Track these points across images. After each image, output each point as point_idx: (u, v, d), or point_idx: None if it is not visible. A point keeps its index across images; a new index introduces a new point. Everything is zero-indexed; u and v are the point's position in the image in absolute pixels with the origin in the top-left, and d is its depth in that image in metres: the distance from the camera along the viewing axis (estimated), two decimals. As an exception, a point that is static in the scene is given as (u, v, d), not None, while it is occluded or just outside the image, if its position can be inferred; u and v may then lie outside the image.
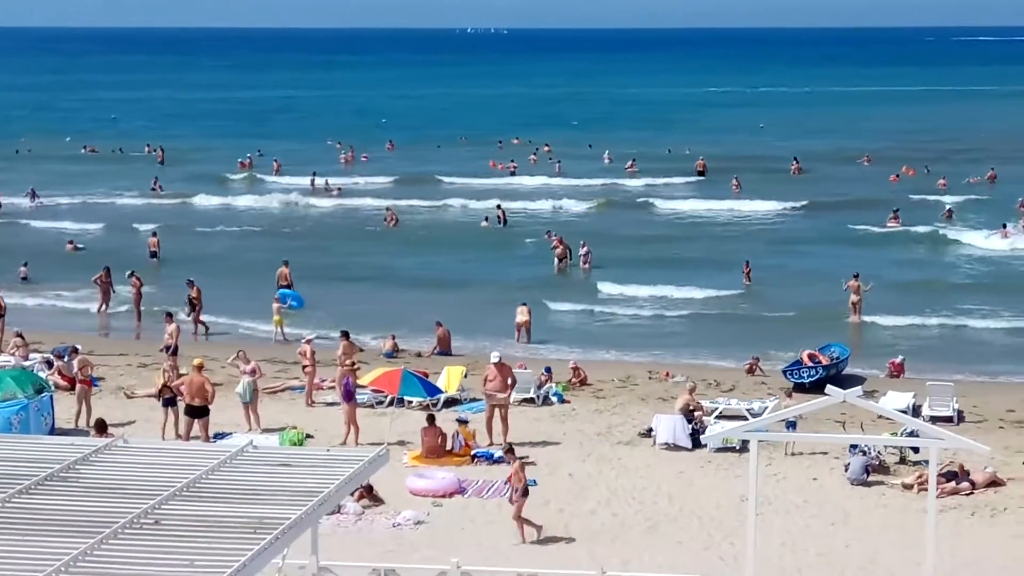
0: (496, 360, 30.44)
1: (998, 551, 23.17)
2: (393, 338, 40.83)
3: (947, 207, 66.21)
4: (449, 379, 34.54)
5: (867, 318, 44.66)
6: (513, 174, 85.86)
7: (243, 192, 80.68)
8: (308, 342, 34.94)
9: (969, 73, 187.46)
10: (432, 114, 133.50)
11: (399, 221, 66.64)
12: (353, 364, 33.44)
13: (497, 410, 30.12)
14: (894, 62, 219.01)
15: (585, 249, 54.44)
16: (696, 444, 29.52)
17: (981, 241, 57.88)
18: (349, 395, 30.57)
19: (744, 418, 29.62)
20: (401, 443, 29.57)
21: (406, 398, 33.33)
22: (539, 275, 52.97)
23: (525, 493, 23.99)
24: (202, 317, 44.15)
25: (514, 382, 31.04)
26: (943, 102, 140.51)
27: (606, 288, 50.04)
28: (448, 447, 28.97)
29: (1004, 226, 57.84)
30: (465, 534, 24.16)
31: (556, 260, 54.82)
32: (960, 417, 32.41)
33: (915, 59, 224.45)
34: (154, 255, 56.98)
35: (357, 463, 15.30)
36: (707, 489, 26.78)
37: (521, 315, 42.45)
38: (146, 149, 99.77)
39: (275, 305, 43.47)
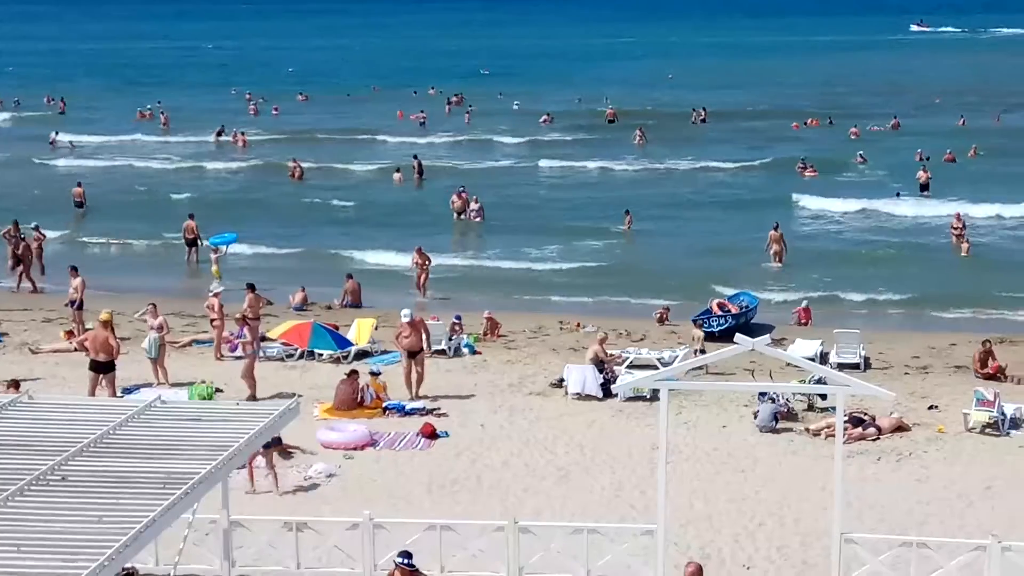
0: (408, 319, 30.24)
1: (903, 495, 23.52)
2: (303, 291, 40.55)
3: (859, 153, 66.89)
4: (360, 332, 34.41)
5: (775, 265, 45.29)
6: (423, 124, 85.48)
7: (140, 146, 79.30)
8: (216, 295, 34.54)
9: (876, 23, 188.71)
10: (340, 64, 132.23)
11: (304, 174, 66.01)
12: (257, 317, 33.22)
13: (414, 363, 30.00)
14: (805, 11, 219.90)
15: (478, 205, 54.56)
16: (607, 394, 29.67)
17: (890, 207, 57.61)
18: (234, 349, 30.21)
19: (655, 367, 29.79)
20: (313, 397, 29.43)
21: (316, 351, 33.19)
22: (437, 228, 52.69)
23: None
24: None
25: (428, 335, 30.94)
26: (853, 52, 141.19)
27: (497, 241, 50.17)
28: (359, 400, 28.85)
29: (897, 195, 58.08)
30: (377, 486, 24.10)
31: (455, 214, 54.75)
32: (867, 364, 32.83)
33: (827, 8, 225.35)
34: (80, 204, 56.74)
35: (267, 417, 15.17)
36: (618, 438, 26.91)
37: (417, 259, 42.21)
38: (46, 100, 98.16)
39: (212, 255, 43.00)
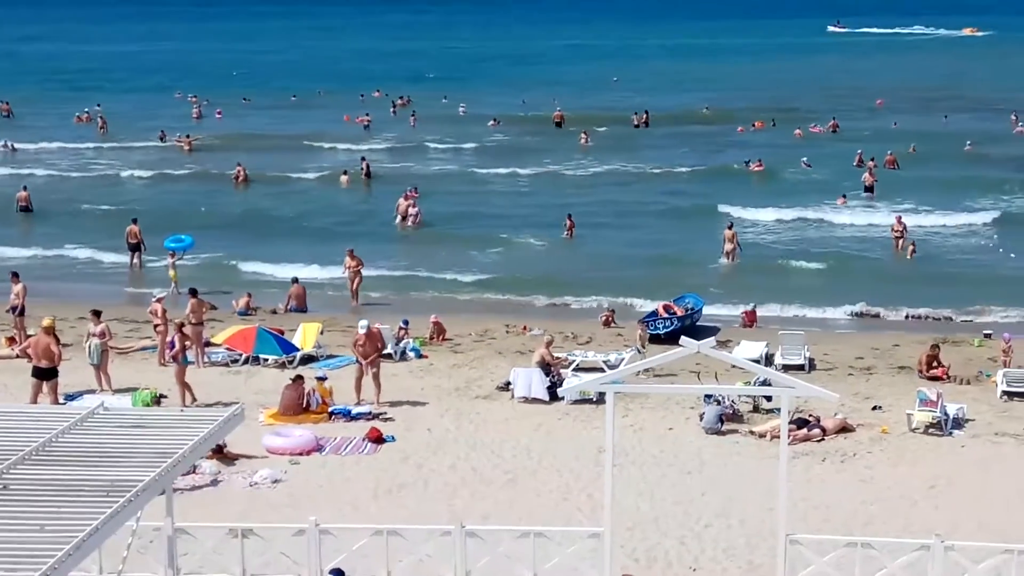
0: (364, 330, 30.10)
1: (848, 495, 23.67)
2: (247, 295, 40.36)
3: (803, 160, 67.08)
4: (305, 336, 34.28)
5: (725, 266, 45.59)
6: (367, 128, 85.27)
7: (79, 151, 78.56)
8: (159, 300, 34.30)
9: (793, 25, 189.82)
10: (285, 67, 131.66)
11: (248, 178, 65.66)
12: (200, 322, 33.07)
13: (369, 371, 29.86)
14: (751, 15, 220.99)
15: (415, 209, 54.37)
16: (554, 397, 29.71)
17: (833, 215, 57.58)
18: (175, 355, 30.02)
19: (601, 370, 29.87)
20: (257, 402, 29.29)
21: (261, 356, 33.04)
22: (379, 232, 52.55)
23: None
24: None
25: (383, 346, 30.78)
26: (779, 54, 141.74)
27: (439, 245, 50.12)
28: (305, 405, 28.73)
29: (843, 197, 58.37)
30: (323, 492, 24.00)
31: (399, 218, 54.63)
32: (811, 365, 33.05)
33: (771, 11, 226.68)
34: (25, 209, 56.35)
35: (212, 422, 15.06)
36: (565, 441, 26.93)
37: (349, 262, 41.86)
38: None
39: (169, 260, 42.70)
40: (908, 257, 46.95)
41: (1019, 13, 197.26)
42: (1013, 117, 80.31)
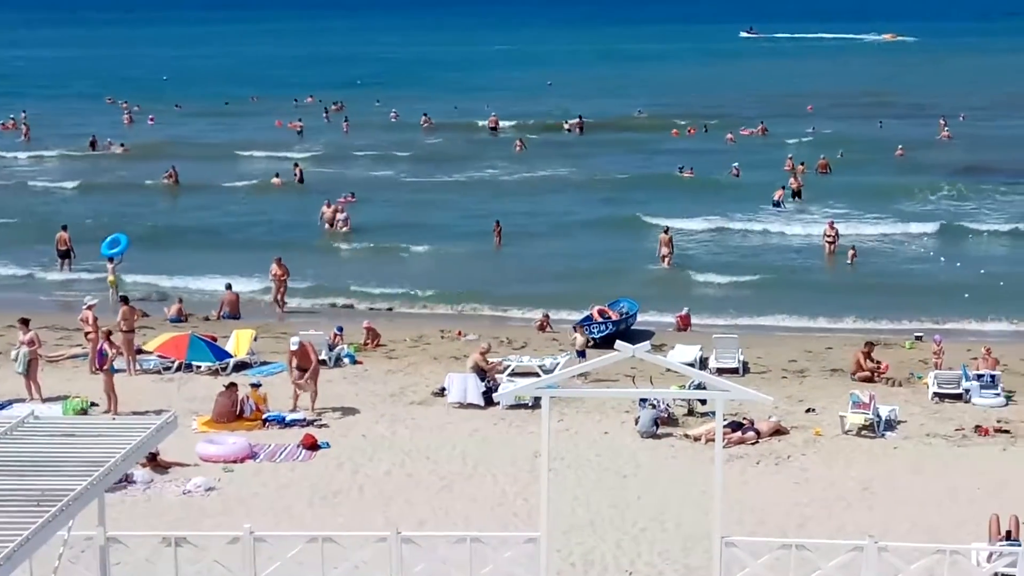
0: (296, 346, 29.83)
1: (782, 497, 23.81)
2: (179, 302, 40.03)
3: (734, 165, 66.87)
4: (238, 343, 34.04)
5: (660, 271, 45.70)
6: (300, 133, 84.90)
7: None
8: (90, 308, 33.95)
9: (706, 31, 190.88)
10: (217, 73, 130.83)
11: (180, 183, 65.15)
12: (131, 330, 32.76)
13: (306, 377, 29.60)
14: (664, 20, 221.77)
15: (344, 214, 54.16)
16: (489, 402, 29.67)
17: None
18: (102, 363, 29.73)
19: (536, 375, 29.87)
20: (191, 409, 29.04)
21: (194, 363, 32.77)
22: (309, 239, 52.25)
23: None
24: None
25: (317, 358, 30.56)
26: (721, 60, 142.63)
27: (363, 252, 49.93)
28: (239, 412, 28.52)
29: (776, 203, 58.61)
30: (258, 499, 23.83)
31: (327, 225, 54.33)
32: (745, 368, 33.21)
33: (682, 17, 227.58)
34: None
35: (144, 431, 14.90)
36: (501, 446, 26.91)
37: (276, 270, 41.42)
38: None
39: (109, 265, 42.19)
40: (849, 262, 47.07)
41: (934, 19, 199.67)
42: (942, 122, 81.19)
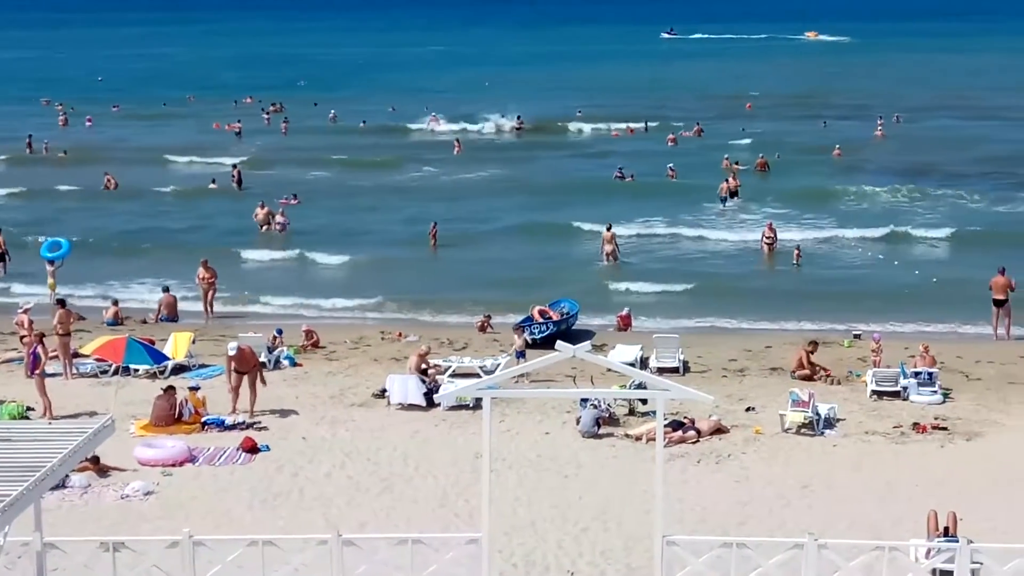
0: (234, 351, 29.59)
1: (723, 496, 23.90)
2: (115, 305, 39.68)
3: (670, 166, 66.54)
4: (176, 346, 33.80)
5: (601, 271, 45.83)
6: (239, 135, 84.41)
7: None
8: (25, 311, 33.61)
9: (628, 32, 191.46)
10: (154, 74, 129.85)
11: (118, 186, 64.58)
12: (68, 333, 32.42)
13: (245, 380, 29.43)
14: (586, 21, 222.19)
15: (282, 218, 53.77)
16: (430, 403, 29.59)
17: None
18: (35, 367, 29.40)
19: (477, 376, 29.84)
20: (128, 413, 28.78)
21: (132, 366, 32.49)
22: (244, 242, 51.86)
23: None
24: None
25: (256, 362, 30.33)
26: (650, 61, 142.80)
27: (300, 254, 49.74)
28: (177, 415, 28.29)
29: (723, 201, 58.81)
30: (197, 503, 23.66)
31: (259, 226, 53.96)
32: (685, 368, 33.33)
33: (601, 19, 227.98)
34: None
35: (81, 435, 14.74)
36: (442, 447, 26.86)
37: (203, 274, 40.97)
38: None
39: (48, 268, 41.76)
40: (795, 262, 47.23)
41: (854, 19, 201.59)
42: (880, 121, 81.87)
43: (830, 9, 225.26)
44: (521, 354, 33.22)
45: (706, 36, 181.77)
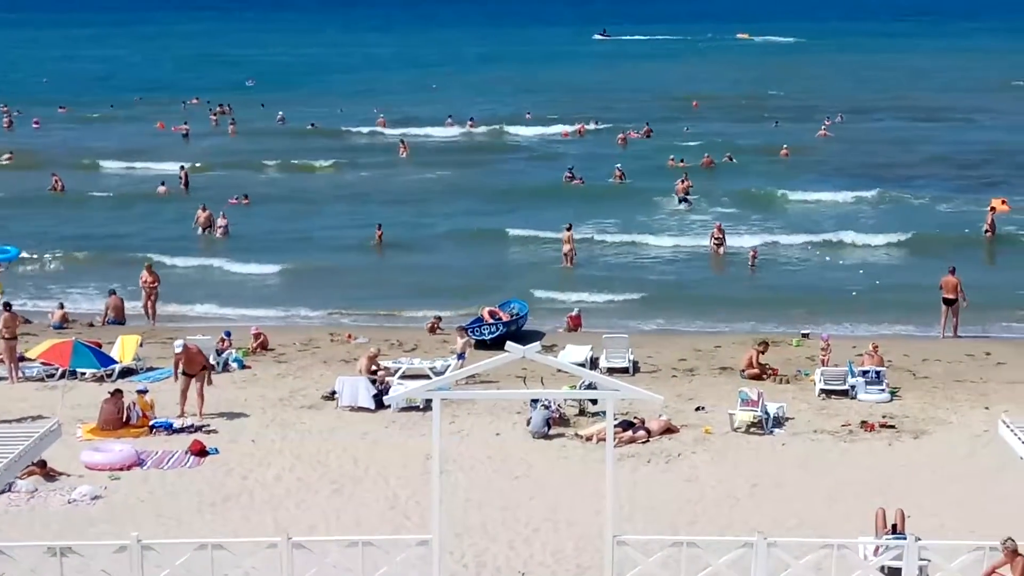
0: (180, 348, 29.49)
1: (673, 495, 23.98)
2: (62, 308, 39.37)
3: (617, 167, 66.24)
4: (123, 349, 33.56)
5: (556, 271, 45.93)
6: (186, 136, 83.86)
7: None
8: (-30, 315, 33.26)
9: (561, 33, 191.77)
10: (98, 74, 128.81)
11: (65, 188, 64.04)
12: (14, 336, 32.17)
13: (193, 383, 29.26)
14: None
15: (224, 220, 53.30)
16: (380, 405, 29.53)
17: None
18: None
19: (427, 377, 29.80)
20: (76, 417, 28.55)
21: (79, 370, 32.23)
22: (189, 246, 51.53)
23: None
24: None
25: (206, 361, 30.14)
26: (600, 62, 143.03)
27: (247, 255, 49.30)
28: (125, 419, 28.08)
29: (681, 202, 59.03)
30: (145, 506, 23.50)
31: (200, 230, 53.43)
32: (635, 368, 33.39)
33: (532, 20, 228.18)
34: None
35: (27, 439, 14.61)
36: (392, 449, 26.80)
37: (146, 277, 40.54)
38: None
39: None
40: (750, 263, 47.42)
41: (779, 19, 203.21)
42: (828, 122, 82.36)
43: (760, 11, 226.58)
44: (461, 355, 33.09)
45: (639, 38, 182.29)
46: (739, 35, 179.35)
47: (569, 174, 65.12)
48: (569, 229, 47.92)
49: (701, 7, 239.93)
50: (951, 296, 37.67)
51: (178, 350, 29.27)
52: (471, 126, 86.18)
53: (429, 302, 41.17)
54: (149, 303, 40.43)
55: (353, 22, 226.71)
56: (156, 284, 40.51)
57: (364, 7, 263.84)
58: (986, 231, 51.02)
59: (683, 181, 60.13)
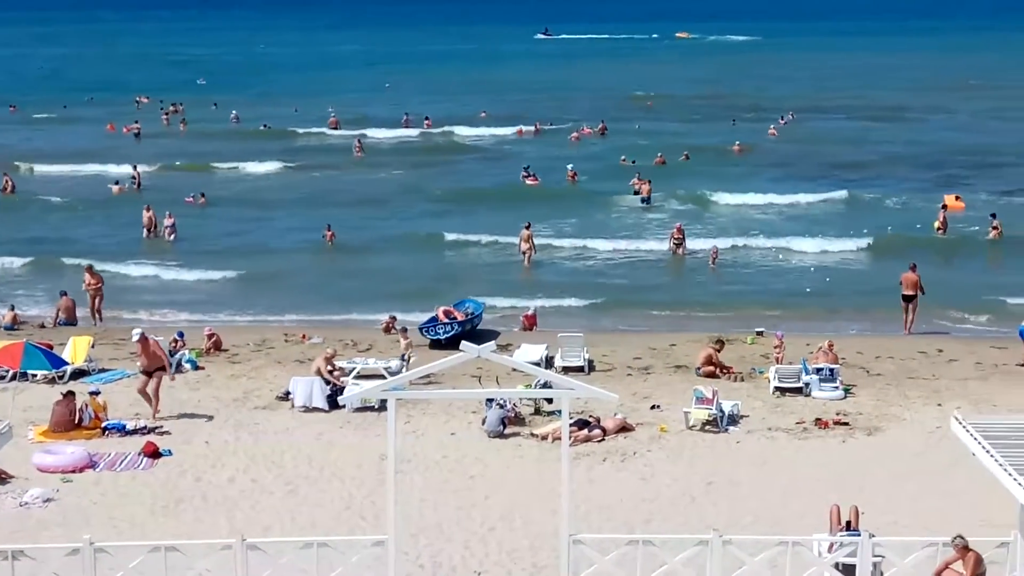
0: (137, 337, 29.30)
1: (629, 494, 23.99)
2: (12, 310, 39.04)
3: (569, 167, 65.88)
4: (75, 350, 33.29)
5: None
6: (137, 136, 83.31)
7: None
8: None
9: (503, 32, 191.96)
10: (48, 73, 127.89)
11: (15, 188, 63.50)
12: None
13: (151, 381, 29.07)
14: (457, 22, 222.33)
15: (171, 221, 52.59)
16: (334, 405, 29.43)
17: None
18: None
19: (382, 377, 29.71)
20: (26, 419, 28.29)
21: (29, 371, 31.93)
22: (133, 248, 51.10)
23: None
24: None
25: (164, 356, 29.95)
26: (545, 61, 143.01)
27: (197, 257, 49.07)
28: (77, 420, 27.85)
29: (643, 202, 58.94)
30: (98, 509, 23.31)
31: (146, 231, 52.85)
32: (591, 367, 33.41)
33: (473, 19, 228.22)
34: None
35: (-24, 442, 14.45)
36: (347, 449, 26.70)
37: (89, 279, 40.19)
38: None
39: None
40: (711, 263, 47.49)
41: (721, 18, 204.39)
42: (783, 121, 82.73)
43: (700, 10, 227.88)
44: (403, 357, 32.90)
45: (583, 36, 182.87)
46: (678, 34, 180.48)
47: (526, 173, 65.13)
48: (528, 228, 47.92)
49: (644, 7, 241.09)
50: (910, 292, 37.89)
51: (135, 338, 29.15)
52: (428, 126, 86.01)
53: (385, 305, 40.89)
54: (94, 305, 40.09)
55: (306, 21, 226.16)
56: (100, 285, 40.21)
57: (318, 6, 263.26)
58: (938, 228, 51.36)
59: (647, 183, 59.95)
